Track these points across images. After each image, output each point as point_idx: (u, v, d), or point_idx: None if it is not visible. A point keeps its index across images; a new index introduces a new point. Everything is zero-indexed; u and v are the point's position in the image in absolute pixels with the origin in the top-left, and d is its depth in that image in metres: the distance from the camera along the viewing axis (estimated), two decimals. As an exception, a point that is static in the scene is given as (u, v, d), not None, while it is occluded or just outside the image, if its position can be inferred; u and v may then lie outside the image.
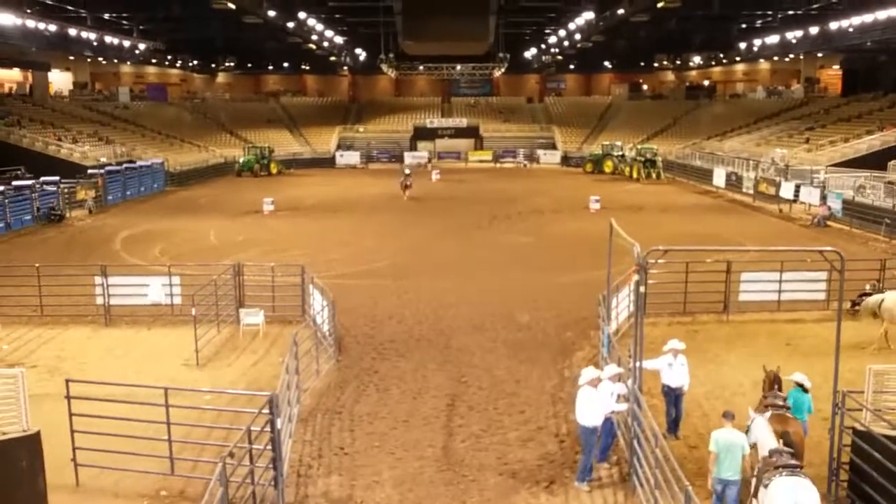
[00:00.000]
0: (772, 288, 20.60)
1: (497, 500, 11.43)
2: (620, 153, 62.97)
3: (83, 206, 41.59)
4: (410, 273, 26.34)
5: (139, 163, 52.66)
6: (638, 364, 11.89)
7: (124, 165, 49.92)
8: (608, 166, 62.53)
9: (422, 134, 78.34)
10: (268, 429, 11.17)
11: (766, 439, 10.11)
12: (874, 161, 44.43)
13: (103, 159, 51.05)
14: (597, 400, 11.81)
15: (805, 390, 11.85)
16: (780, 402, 11.30)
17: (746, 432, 10.55)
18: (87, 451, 11.90)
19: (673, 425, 13.55)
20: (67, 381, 12.00)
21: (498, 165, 72.19)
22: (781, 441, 10.10)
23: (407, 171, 48.81)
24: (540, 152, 74.42)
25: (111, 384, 13.44)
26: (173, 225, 37.43)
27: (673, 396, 13.54)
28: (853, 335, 14.67)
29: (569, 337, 19.18)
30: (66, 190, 41.04)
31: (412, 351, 18.34)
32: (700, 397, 14.79)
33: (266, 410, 11.07)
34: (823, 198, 38.06)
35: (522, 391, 15.76)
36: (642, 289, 11.70)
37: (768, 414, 10.78)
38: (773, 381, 11.91)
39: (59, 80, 74.75)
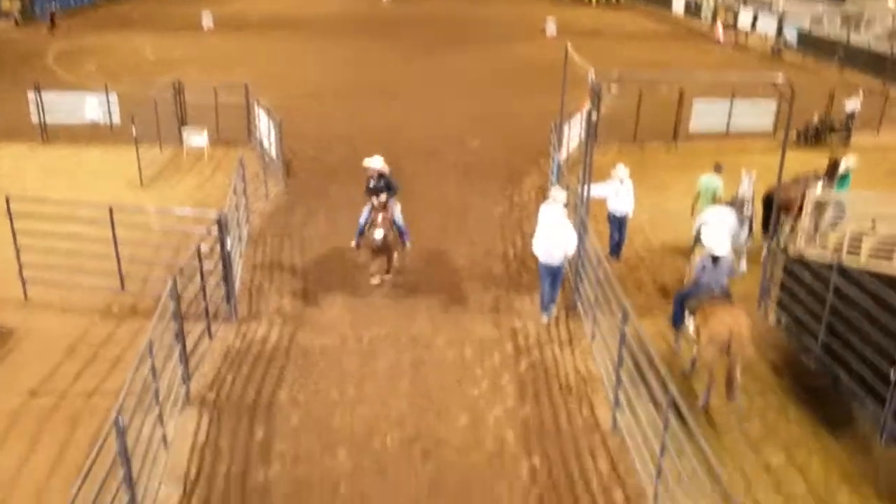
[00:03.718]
0: (722, 116, 20.79)
1: (443, 318, 11.83)
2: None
3: (9, 18, 38.82)
4: (360, 96, 25.68)
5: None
6: (586, 190, 12.01)
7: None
8: (566, -11, 60.20)
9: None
10: (217, 248, 11.17)
11: (746, 192, 12.96)
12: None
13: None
14: (564, 238, 11.44)
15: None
16: (807, 181, 13.50)
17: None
18: (34, 267, 11.80)
19: (615, 248, 13.99)
20: (7, 197, 11.66)
21: (452, -14, 68.87)
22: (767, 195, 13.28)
23: (380, 202, 12.60)
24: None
25: (54, 201, 13.13)
26: (107, 40, 35.33)
27: (617, 222, 13.88)
28: (797, 165, 14.98)
29: (519, 164, 19.22)
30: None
31: (361, 175, 18.11)
32: (644, 223, 15.20)
33: (215, 230, 11.01)
34: (779, 29, 37.63)
35: (471, 216, 15.95)
36: (594, 115, 11.61)
37: (753, 175, 13.13)
38: (831, 166, 14.25)
39: None
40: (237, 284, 12.12)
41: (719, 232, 10.86)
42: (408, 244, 13.06)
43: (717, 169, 14.08)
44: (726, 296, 10.18)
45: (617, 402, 9.15)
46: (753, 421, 9.52)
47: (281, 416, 9.40)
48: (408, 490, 8.24)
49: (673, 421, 7.40)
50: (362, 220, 12.77)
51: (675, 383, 7.56)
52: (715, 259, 10.16)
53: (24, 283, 11.87)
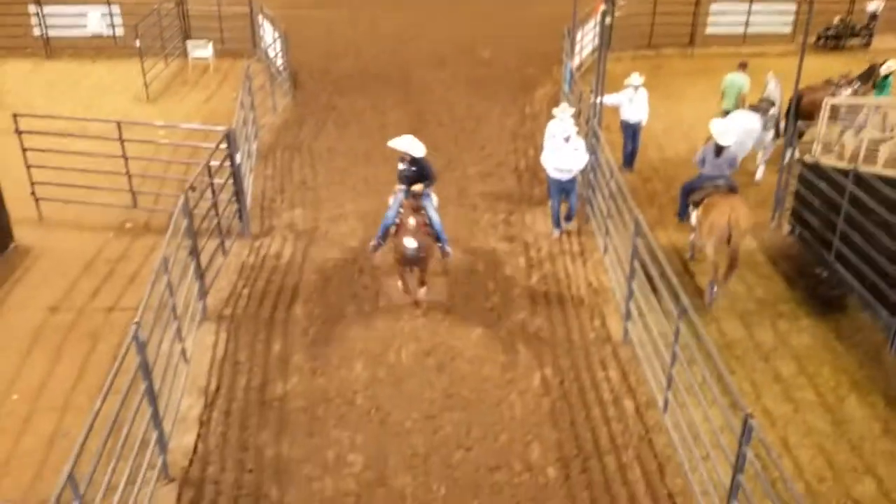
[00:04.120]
0: (740, 19, 20.26)
1: (455, 231, 11.78)
2: None
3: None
4: (367, 4, 24.95)
5: None
6: (599, 99, 11.77)
7: None
8: None
9: None
10: (227, 164, 11.10)
11: (773, 94, 13.13)
12: None
13: None
14: (573, 154, 11.29)
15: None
16: (839, 85, 13.54)
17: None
18: (46, 185, 11.81)
19: (629, 158, 13.81)
20: (15, 115, 11.56)
21: None
22: (791, 100, 12.44)
23: (412, 201, 9.64)
24: None
25: (62, 118, 13.04)
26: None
27: (631, 131, 13.65)
28: (815, 69, 14.57)
29: (531, 73, 18.81)
30: None
31: (370, 87, 17.90)
32: (658, 132, 14.97)
33: (224, 145, 10.92)
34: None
35: (483, 128, 15.74)
36: (608, 20, 11.26)
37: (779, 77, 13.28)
38: (869, 69, 13.98)
39: None
40: (248, 200, 12.12)
41: (730, 126, 10.82)
42: (449, 251, 10.00)
43: (742, 66, 13.98)
44: (731, 189, 10.18)
45: (628, 314, 9.22)
46: (765, 330, 9.59)
47: (297, 330, 9.54)
48: (422, 401, 8.43)
49: (684, 330, 7.46)
50: (390, 214, 9.69)
51: (685, 292, 7.57)
52: (719, 151, 10.19)
53: (37, 202, 11.90)
